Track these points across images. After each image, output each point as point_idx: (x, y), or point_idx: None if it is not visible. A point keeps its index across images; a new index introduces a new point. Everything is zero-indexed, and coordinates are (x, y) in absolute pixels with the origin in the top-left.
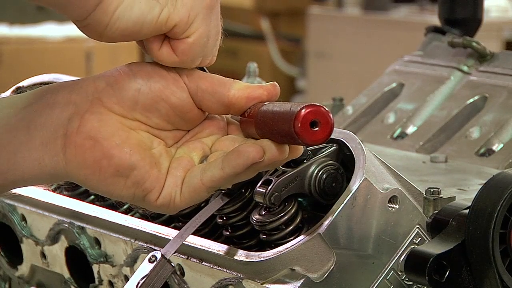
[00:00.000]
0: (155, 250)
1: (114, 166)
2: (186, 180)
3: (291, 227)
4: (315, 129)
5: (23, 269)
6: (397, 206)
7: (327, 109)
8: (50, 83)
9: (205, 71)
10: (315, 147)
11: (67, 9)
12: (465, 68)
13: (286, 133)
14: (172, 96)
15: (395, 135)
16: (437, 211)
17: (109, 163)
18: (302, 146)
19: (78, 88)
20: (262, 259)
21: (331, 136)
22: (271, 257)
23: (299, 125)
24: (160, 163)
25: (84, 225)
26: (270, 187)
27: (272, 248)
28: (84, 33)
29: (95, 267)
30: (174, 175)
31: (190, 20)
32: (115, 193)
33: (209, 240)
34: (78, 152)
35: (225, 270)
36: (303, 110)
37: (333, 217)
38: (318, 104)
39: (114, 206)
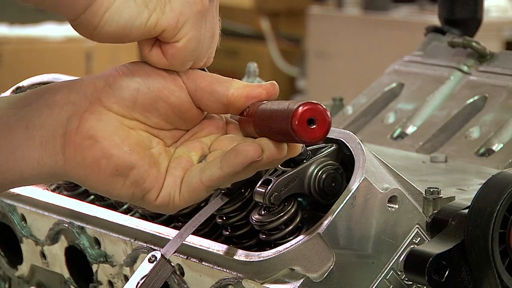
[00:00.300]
0: (155, 250)
1: (113, 165)
2: (185, 179)
3: (290, 227)
4: (312, 127)
5: (23, 269)
6: (396, 206)
7: (324, 106)
8: (50, 83)
9: (204, 71)
10: (315, 146)
11: (59, 9)
12: (465, 68)
13: (284, 131)
14: (171, 95)
15: (395, 135)
16: (436, 211)
17: (108, 162)
18: (300, 145)
19: (77, 88)
20: (261, 259)
21: (331, 136)
22: (270, 257)
23: (296, 122)
24: (159, 163)
25: (84, 225)
26: (269, 187)
27: (271, 248)
28: (76, 31)
29: (94, 267)
30: (173, 174)
31: (179, 25)
32: (114, 193)
33: (208, 240)
34: (77, 151)
35: (224, 270)
36: (301, 108)
37: (333, 217)
38: (315, 102)
39: (114, 206)
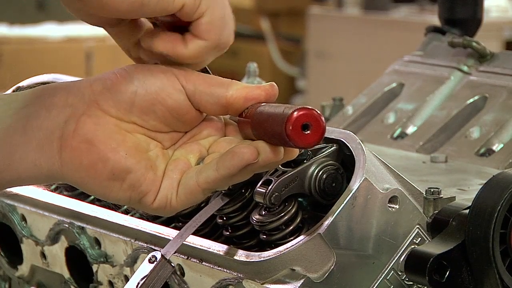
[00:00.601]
0: (155, 250)
1: (109, 169)
2: (182, 182)
3: (291, 227)
4: (306, 132)
5: (23, 269)
6: (397, 206)
7: (319, 112)
8: (50, 83)
9: (208, 71)
10: (315, 147)
11: None
12: (465, 68)
13: (278, 135)
14: (168, 98)
15: (395, 135)
16: (437, 211)
17: (104, 166)
18: (297, 149)
19: (75, 90)
20: (262, 259)
21: (331, 136)
22: (271, 257)
23: (290, 127)
24: (156, 166)
25: (84, 225)
26: (270, 187)
27: (272, 248)
28: (82, 5)
29: (95, 267)
30: (170, 177)
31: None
32: (111, 196)
33: (209, 240)
34: (74, 154)
35: (225, 270)
36: (295, 113)
37: (333, 217)
38: (310, 107)
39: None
